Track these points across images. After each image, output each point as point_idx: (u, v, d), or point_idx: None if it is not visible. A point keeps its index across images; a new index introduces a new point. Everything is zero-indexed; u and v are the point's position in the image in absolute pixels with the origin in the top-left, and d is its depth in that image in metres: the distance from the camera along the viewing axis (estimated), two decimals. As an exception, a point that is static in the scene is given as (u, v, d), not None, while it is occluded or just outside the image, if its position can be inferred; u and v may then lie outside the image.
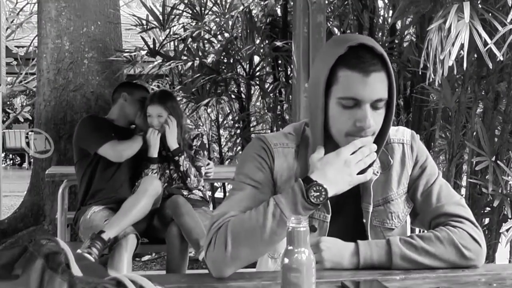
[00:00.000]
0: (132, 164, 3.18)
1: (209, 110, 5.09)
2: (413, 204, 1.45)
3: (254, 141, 1.44)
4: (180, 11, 4.75)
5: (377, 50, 1.27)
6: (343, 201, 1.38)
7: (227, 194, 1.48)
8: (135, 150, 3.12)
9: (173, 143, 3.11)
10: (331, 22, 4.36)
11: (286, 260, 1.05)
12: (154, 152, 3.12)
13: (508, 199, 3.03)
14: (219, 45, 4.65)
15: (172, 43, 4.79)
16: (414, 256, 1.31)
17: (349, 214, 1.40)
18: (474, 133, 3.24)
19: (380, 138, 1.36)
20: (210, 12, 4.65)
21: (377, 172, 1.41)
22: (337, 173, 1.26)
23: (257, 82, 4.75)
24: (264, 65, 4.72)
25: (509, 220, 2.92)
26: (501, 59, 2.83)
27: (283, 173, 1.38)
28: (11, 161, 14.32)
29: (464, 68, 3.03)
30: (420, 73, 3.53)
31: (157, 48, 4.55)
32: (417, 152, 1.45)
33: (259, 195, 1.35)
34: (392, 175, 1.42)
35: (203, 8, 4.58)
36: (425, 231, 1.40)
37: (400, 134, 1.47)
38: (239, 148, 4.91)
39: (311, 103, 1.36)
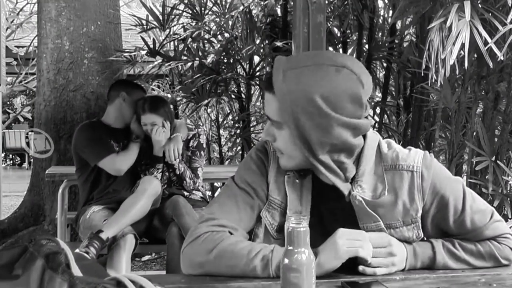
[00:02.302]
0: (135, 165, 3.17)
1: (209, 110, 5.09)
2: (443, 233, 1.38)
3: (260, 141, 1.46)
4: (180, 11, 4.75)
5: (273, 73, 1.27)
6: (340, 216, 1.35)
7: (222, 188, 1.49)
8: (133, 161, 3.11)
9: (159, 152, 3.12)
10: (331, 22, 4.36)
11: (286, 260, 1.05)
12: (159, 151, 3.12)
13: (508, 199, 3.03)
14: (219, 45, 4.65)
15: (172, 43, 4.79)
16: (454, 266, 1.35)
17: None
18: (474, 133, 3.24)
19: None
20: (210, 12, 4.65)
21: (355, 198, 1.31)
22: (327, 260, 1.23)
23: (257, 82, 4.75)
24: (264, 65, 4.72)
25: (509, 220, 2.92)
26: (502, 59, 2.83)
27: (275, 179, 1.39)
28: (11, 161, 14.31)
29: (465, 68, 3.03)
30: (421, 73, 3.53)
31: (157, 48, 4.54)
32: (431, 182, 1.33)
33: (249, 204, 1.37)
34: (398, 204, 1.32)
35: (203, 8, 4.58)
36: (467, 243, 1.36)
37: (411, 159, 1.34)
38: (239, 148, 4.91)
39: None
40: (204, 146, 3.34)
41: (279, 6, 4.62)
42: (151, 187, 2.94)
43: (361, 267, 1.26)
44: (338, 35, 4.46)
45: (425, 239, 1.38)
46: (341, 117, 1.23)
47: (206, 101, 4.44)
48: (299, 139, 1.26)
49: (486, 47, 2.61)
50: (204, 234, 1.30)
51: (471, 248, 1.35)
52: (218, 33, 4.71)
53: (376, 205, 1.32)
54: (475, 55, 3.12)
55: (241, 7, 4.53)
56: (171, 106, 4.80)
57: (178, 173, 3.13)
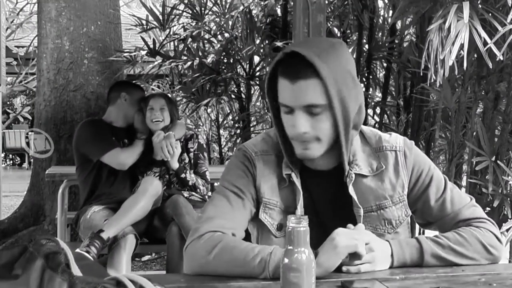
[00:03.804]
0: (135, 165, 3.17)
1: (209, 110, 5.09)
2: (424, 213, 1.44)
3: (237, 151, 1.49)
4: (180, 11, 4.75)
5: (308, 58, 1.27)
6: (334, 205, 1.41)
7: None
8: (137, 157, 3.12)
9: (174, 163, 3.09)
10: (331, 22, 4.37)
11: (286, 260, 1.05)
12: (159, 155, 3.10)
13: (508, 199, 3.03)
14: (219, 45, 4.65)
15: (172, 43, 4.79)
16: (443, 255, 1.34)
17: (342, 219, 1.35)
18: (474, 133, 3.24)
19: (335, 142, 1.36)
20: (210, 12, 4.65)
21: (353, 176, 1.38)
22: (326, 258, 1.23)
23: (257, 82, 4.75)
24: (264, 65, 4.72)
25: (509, 220, 2.92)
26: (501, 59, 2.83)
27: (265, 181, 1.41)
28: (11, 161, 14.32)
29: (464, 68, 3.03)
30: (421, 73, 3.53)
31: (157, 48, 4.55)
32: (414, 160, 1.43)
33: (240, 203, 1.40)
34: (385, 183, 1.41)
35: (203, 8, 4.58)
36: (447, 232, 1.39)
37: (393, 140, 1.44)
38: (239, 148, 4.91)
39: None
40: (205, 146, 3.32)
41: (279, 6, 4.62)
42: (152, 187, 2.94)
43: (344, 268, 1.26)
44: (338, 35, 4.46)
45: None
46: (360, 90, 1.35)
47: (206, 101, 4.44)
48: (343, 117, 1.31)
49: (486, 48, 2.60)
50: (206, 234, 1.32)
51: (453, 236, 1.36)
52: (218, 33, 4.72)
53: (366, 186, 1.39)
54: (475, 55, 3.12)
55: (241, 7, 4.53)
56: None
57: (190, 184, 3.12)
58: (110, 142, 3.12)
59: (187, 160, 3.19)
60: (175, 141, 3.13)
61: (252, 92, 4.97)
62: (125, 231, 2.81)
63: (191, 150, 3.22)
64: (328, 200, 1.42)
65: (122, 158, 3.08)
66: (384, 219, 1.40)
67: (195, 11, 4.59)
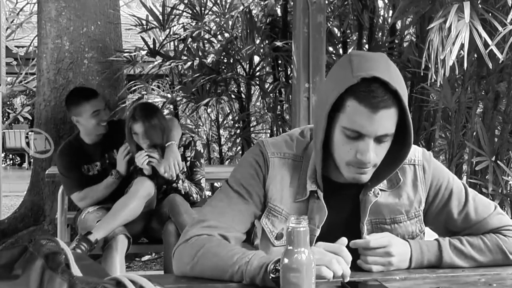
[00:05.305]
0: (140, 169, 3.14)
1: (209, 110, 5.09)
2: (449, 225, 1.41)
3: (255, 145, 1.43)
4: (180, 11, 4.75)
5: (391, 86, 1.20)
6: (345, 219, 1.38)
7: (216, 191, 1.48)
8: (99, 197, 3.06)
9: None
10: (331, 22, 4.36)
11: (286, 260, 1.05)
12: (149, 171, 2.96)
13: (508, 199, 3.04)
14: (219, 45, 4.65)
15: (172, 43, 4.79)
16: (462, 264, 1.35)
17: (350, 232, 1.32)
18: (474, 133, 3.24)
19: (392, 167, 1.33)
20: (210, 12, 4.65)
21: (378, 193, 1.36)
22: None
23: (257, 82, 4.75)
24: (264, 65, 4.72)
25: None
26: (502, 59, 2.83)
27: (275, 185, 1.36)
28: (11, 161, 14.31)
29: (464, 68, 3.03)
30: (421, 73, 3.53)
31: (157, 48, 4.55)
32: (432, 174, 1.39)
33: (242, 205, 1.35)
34: (402, 197, 1.37)
35: (203, 8, 4.58)
36: (474, 238, 1.38)
37: (411, 154, 1.38)
38: (239, 148, 4.91)
39: (315, 121, 1.34)
40: (202, 151, 3.17)
41: (279, 6, 4.62)
42: (143, 188, 2.89)
43: (358, 261, 1.28)
44: (338, 35, 4.46)
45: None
46: None
47: (206, 101, 4.44)
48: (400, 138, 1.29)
49: (487, 50, 2.60)
50: (192, 238, 1.30)
51: (478, 243, 1.36)
52: (218, 33, 4.72)
53: (382, 201, 1.36)
54: (475, 55, 3.12)
55: (241, 7, 4.53)
56: (171, 107, 4.82)
57: (183, 192, 2.99)
58: (75, 178, 3.09)
59: (185, 169, 3.07)
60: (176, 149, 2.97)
61: (252, 92, 4.96)
62: (115, 231, 2.78)
63: (188, 158, 3.08)
64: (343, 214, 1.38)
65: (79, 203, 3.10)
66: (398, 234, 1.36)
67: (195, 11, 4.59)
